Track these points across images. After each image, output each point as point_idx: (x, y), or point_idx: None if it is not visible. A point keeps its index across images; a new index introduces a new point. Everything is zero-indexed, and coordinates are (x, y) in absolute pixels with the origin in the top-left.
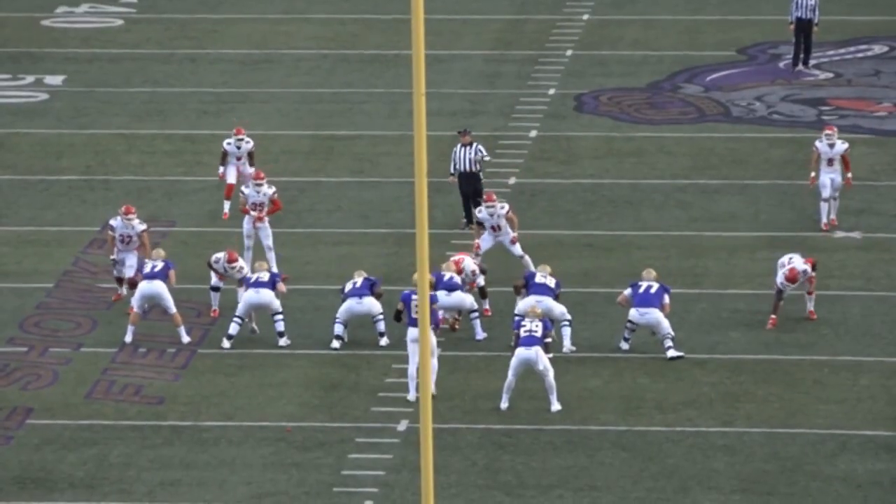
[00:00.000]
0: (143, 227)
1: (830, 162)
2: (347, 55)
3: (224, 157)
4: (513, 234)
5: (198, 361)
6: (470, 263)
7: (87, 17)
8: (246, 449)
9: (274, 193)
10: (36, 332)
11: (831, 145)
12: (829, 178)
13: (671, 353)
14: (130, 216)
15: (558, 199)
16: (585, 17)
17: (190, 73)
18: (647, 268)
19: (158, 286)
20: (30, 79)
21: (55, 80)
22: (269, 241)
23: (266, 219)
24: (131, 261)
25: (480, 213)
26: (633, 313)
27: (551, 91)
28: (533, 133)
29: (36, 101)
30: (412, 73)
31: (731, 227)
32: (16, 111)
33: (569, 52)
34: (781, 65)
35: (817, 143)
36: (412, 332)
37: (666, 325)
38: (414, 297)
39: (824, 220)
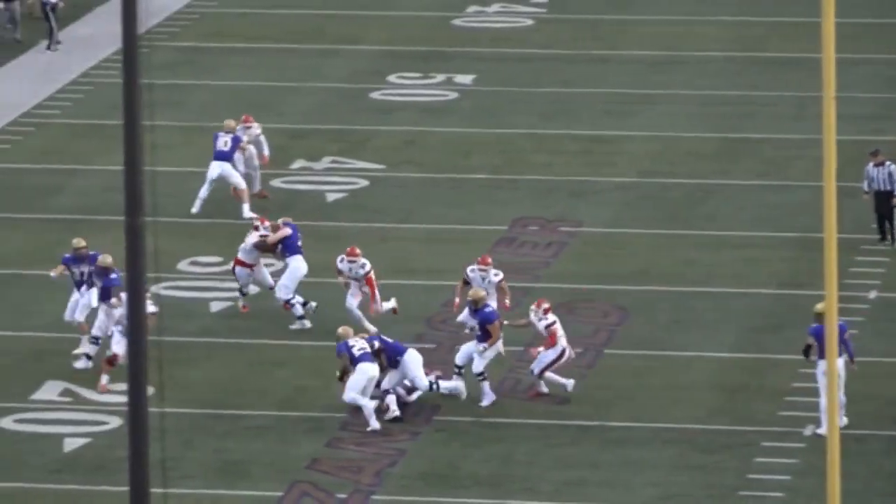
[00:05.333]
0: (368, 268)
1: None
2: (754, 57)
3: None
4: (505, 304)
5: (604, 361)
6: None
7: (498, 17)
8: (651, 450)
9: None
10: (443, 329)
11: None
12: None
13: None
14: (354, 258)
15: None
16: None
17: (598, 74)
18: None
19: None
20: (440, 77)
21: (465, 79)
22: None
23: None
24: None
25: (472, 272)
26: None
27: None
28: None
29: (446, 100)
30: (821, 76)
31: None
32: (426, 109)
33: None
34: None
35: None
36: (822, 365)
37: None
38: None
39: None
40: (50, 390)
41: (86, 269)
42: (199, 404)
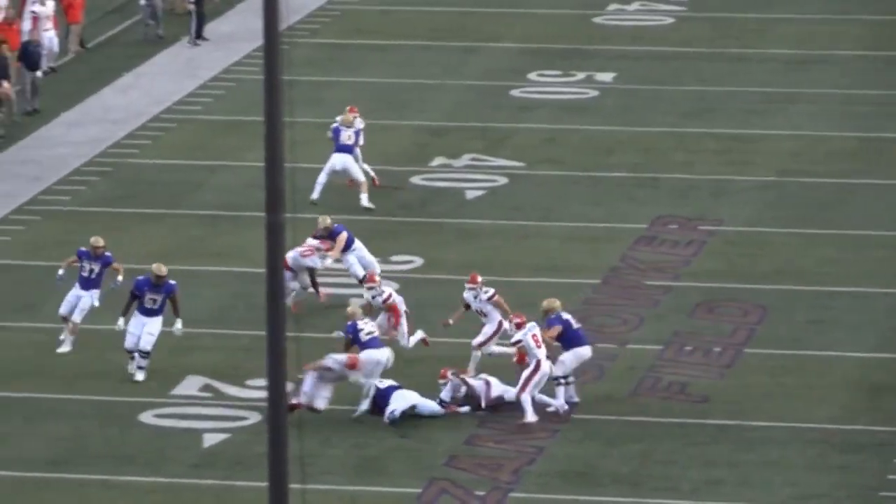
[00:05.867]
0: (386, 294)
1: None
2: (892, 56)
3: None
4: (505, 322)
5: (744, 360)
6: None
7: (639, 15)
8: (791, 450)
9: None
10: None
11: None
12: None
13: None
14: (372, 284)
15: None
16: None
17: (737, 72)
18: None
19: None
20: (580, 76)
21: (605, 77)
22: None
23: None
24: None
25: (465, 291)
26: None
27: None
28: None
29: (586, 98)
30: None
31: None
32: (566, 107)
33: None
34: None
35: None
36: None
37: None
38: None
39: None
40: (190, 385)
41: (97, 267)
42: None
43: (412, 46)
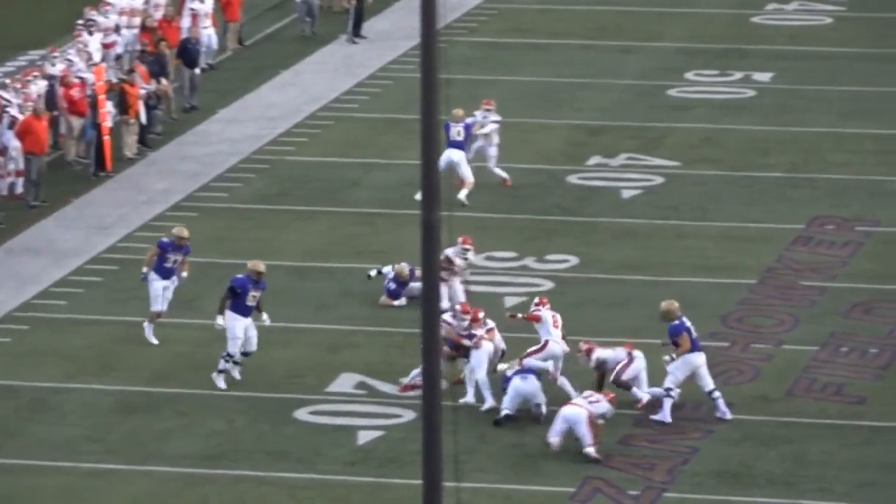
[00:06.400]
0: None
1: None
2: None
3: None
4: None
5: None
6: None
7: (797, 15)
8: None
9: None
10: (738, 327)
11: None
12: None
13: None
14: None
15: None
16: None
17: None
18: None
19: None
20: (738, 75)
21: (763, 76)
22: None
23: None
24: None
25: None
26: None
27: None
28: None
29: (743, 98)
30: None
31: None
32: (723, 107)
33: None
34: None
35: None
36: None
37: None
38: None
39: None
40: (345, 383)
41: (180, 257)
42: (493, 398)
43: (570, 45)
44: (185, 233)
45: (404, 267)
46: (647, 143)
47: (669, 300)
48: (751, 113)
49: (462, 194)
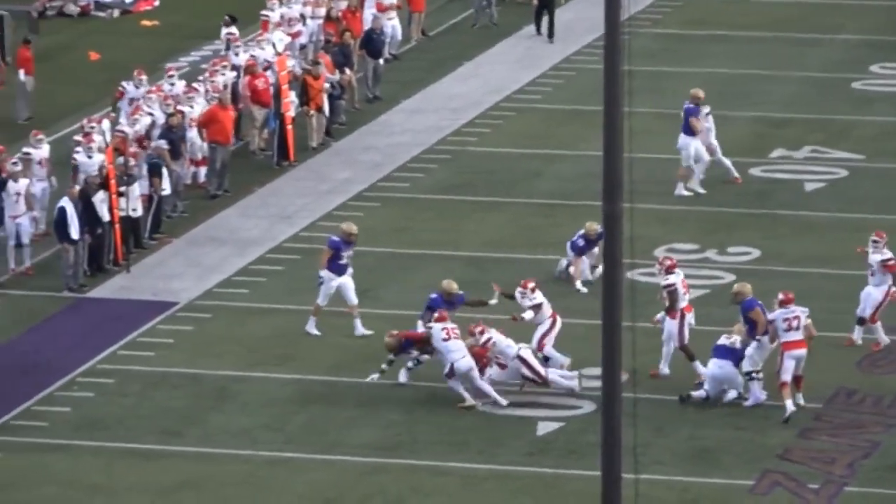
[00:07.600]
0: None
1: None
2: None
3: None
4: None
5: None
6: None
7: None
8: None
9: None
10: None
11: None
12: None
13: None
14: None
15: None
16: None
17: None
18: None
19: None
20: None
21: None
22: None
23: None
24: None
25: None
26: None
27: None
28: None
29: None
30: None
31: None
32: None
33: None
34: None
35: None
36: None
37: None
38: None
39: None
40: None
41: (351, 253)
42: (671, 391)
43: (753, 37)
44: (355, 228)
45: (595, 225)
46: (831, 135)
47: (742, 282)
48: None
49: (679, 188)
